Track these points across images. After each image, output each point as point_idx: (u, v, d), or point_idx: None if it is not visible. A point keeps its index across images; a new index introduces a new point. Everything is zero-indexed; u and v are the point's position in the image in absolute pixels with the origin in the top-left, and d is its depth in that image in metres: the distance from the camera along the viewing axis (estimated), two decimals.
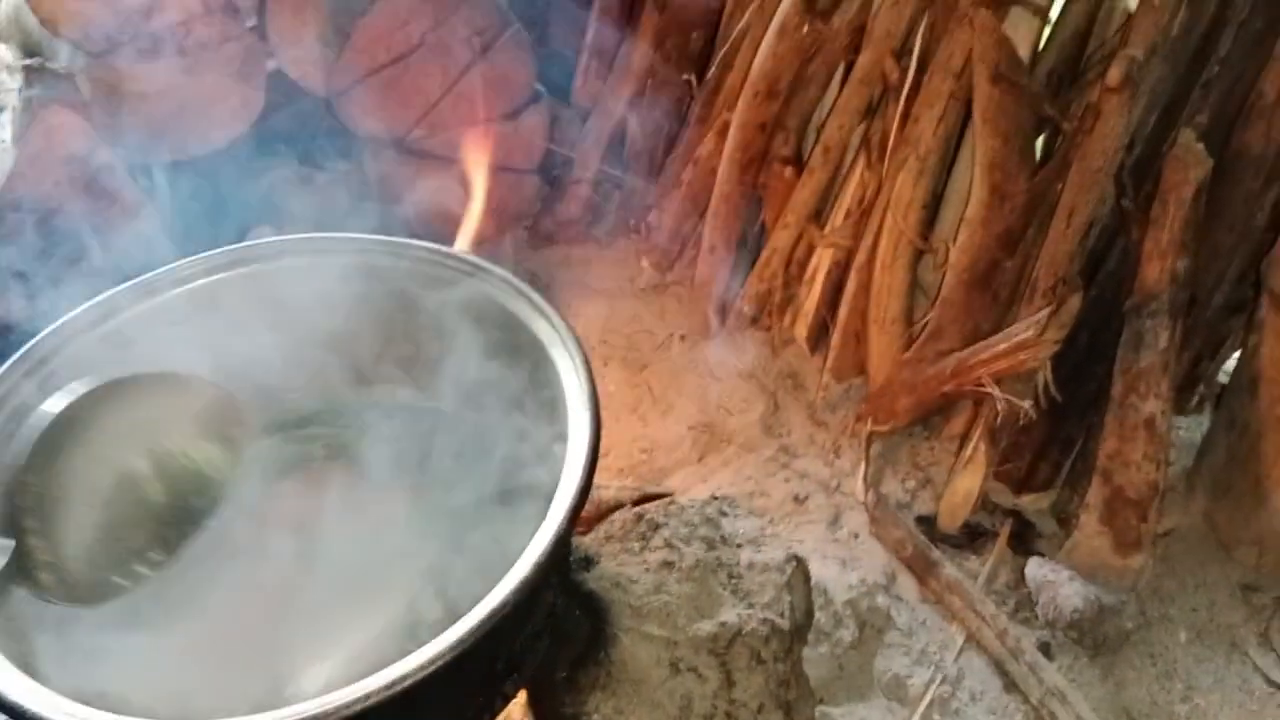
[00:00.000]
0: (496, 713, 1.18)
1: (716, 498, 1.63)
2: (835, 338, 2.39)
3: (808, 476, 2.24)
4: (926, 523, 2.12)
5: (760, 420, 2.36)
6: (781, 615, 1.41)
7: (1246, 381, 2.00)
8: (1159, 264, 1.86)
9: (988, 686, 1.84)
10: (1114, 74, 1.89)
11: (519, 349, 1.32)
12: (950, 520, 2.10)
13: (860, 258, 2.32)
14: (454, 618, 0.97)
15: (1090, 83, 2.09)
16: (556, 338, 1.29)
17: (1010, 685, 1.83)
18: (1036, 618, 1.93)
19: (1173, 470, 2.14)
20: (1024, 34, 2.13)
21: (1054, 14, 2.17)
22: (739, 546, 1.52)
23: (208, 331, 1.31)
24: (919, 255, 2.29)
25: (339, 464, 1.32)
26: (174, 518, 1.16)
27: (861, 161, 2.32)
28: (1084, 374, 2.03)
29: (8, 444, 1.10)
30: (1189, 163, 1.83)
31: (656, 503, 1.60)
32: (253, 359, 1.33)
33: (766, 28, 2.36)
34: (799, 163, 2.43)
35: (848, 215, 2.35)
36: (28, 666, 0.98)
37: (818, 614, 1.79)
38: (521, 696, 1.36)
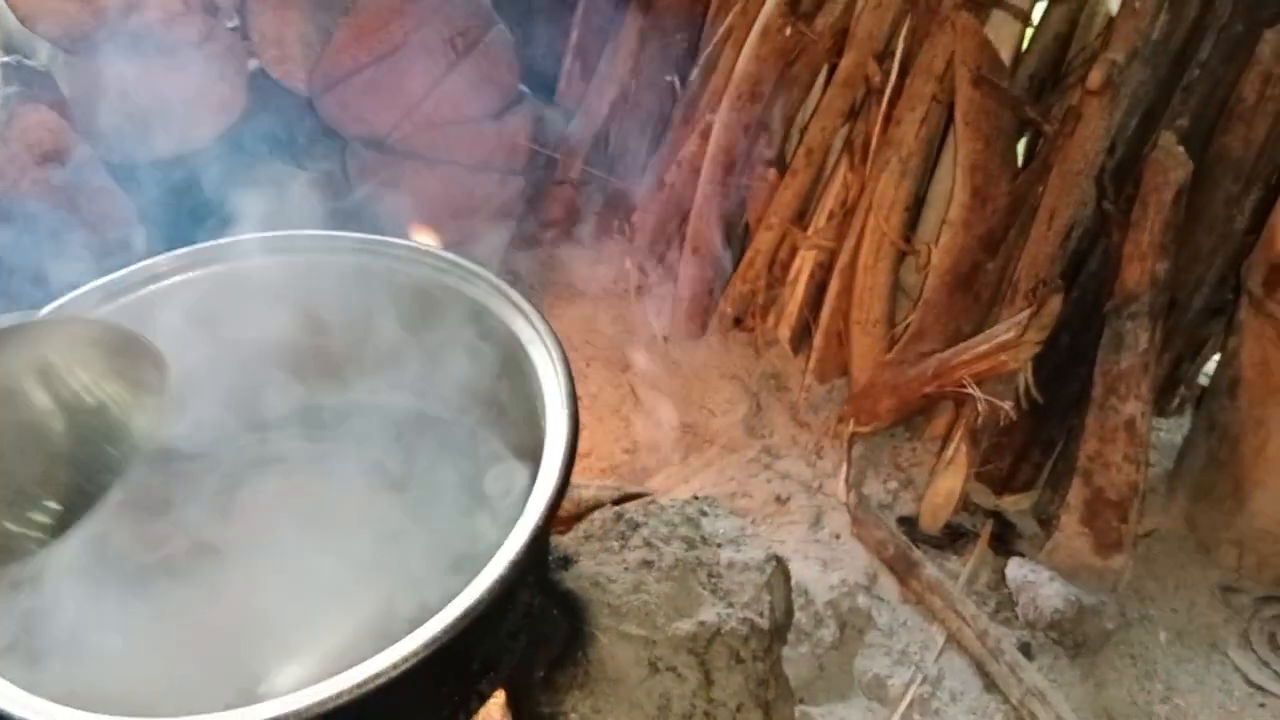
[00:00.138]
0: (473, 712, 1.17)
1: (697, 497, 1.62)
2: (818, 339, 2.40)
3: (790, 477, 2.24)
4: (908, 523, 2.13)
5: (743, 421, 2.37)
6: (761, 615, 1.41)
7: (1226, 384, 2.01)
8: (1139, 266, 1.87)
9: (968, 687, 1.84)
10: (1095, 77, 1.90)
11: (498, 347, 1.31)
12: (931, 521, 2.11)
13: (843, 259, 2.33)
14: (429, 616, 0.96)
15: (1071, 86, 2.10)
16: (536, 336, 1.29)
17: (990, 685, 1.83)
18: (1017, 618, 1.93)
19: (1153, 472, 2.15)
20: (1006, 37, 2.14)
21: (1036, 17, 2.18)
22: (719, 546, 1.51)
23: (183, 329, 1.29)
24: (901, 257, 2.29)
25: (314, 462, 1.32)
26: (80, 463, 1.09)
27: (844, 163, 2.32)
28: (1065, 375, 2.03)
29: None
30: (1169, 165, 1.83)
31: (636, 502, 1.59)
32: (228, 357, 1.32)
33: (750, 30, 2.37)
34: (782, 164, 2.44)
35: (830, 217, 2.35)
36: None
37: (798, 614, 1.79)
38: (500, 696, 1.35)
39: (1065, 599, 1.87)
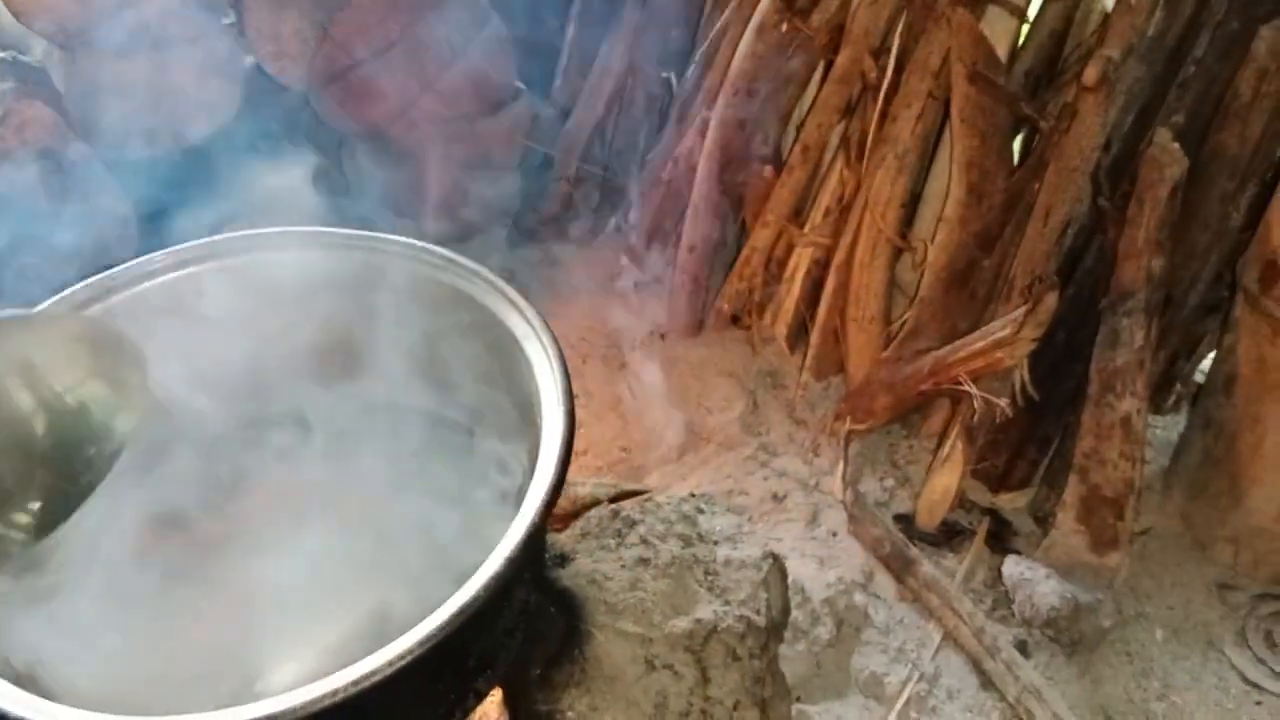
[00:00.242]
0: (470, 710, 1.17)
1: (694, 495, 1.62)
2: (814, 336, 2.40)
3: (786, 475, 2.24)
4: (904, 521, 2.13)
5: (739, 418, 2.37)
6: (758, 612, 1.41)
7: (1222, 381, 2.02)
8: (1135, 263, 1.87)
9: (964, 684, 1.84)
10: (1091, 74, 1.90)
11: (494, 344, 1.31)
12: (928, 518, 2.11)
13: (839, 256, 2.32)
14: (425, 614, 0.96)
15: (1067, 82, 2.10)
16: (531, 332, 1.28)
17: (987, 683, 1.83)
18: (1013, 616, 1.93)
19: (1149, 469, 2.15)
20: (1002, 34, 2.14)
21: (1032, 14, 2.18)
22: (716, 544, 1.51)
23: (180, 325, 1.29)
24: (897, 254, 2.29)
25: (310, 460, 1.31)
26: (61, 464, 1.08)
27: (840, 160, 2.32)
28: (1061, 373, 2.03)
29: None
30: (1165, 162, 1.83)
31: (633, 500, 1.59)
32: (224, 354, 1.32)
33: (746, 26, 2.36)
34: (778, 161, 2.43)
35: (827, 214, 2.35)
36: None
37: (795, 612, 1.79)
38: (497, 694, 1.35)
39: (1061, 596, 1.87)
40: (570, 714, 1.29)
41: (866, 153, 2.25)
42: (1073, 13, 2.15)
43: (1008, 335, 1.94)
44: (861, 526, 2.10)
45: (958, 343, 2.05)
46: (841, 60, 2.27)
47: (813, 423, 2.36)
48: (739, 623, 1.37)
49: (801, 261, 2.42)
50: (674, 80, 2.68)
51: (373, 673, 0.91)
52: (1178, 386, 2.27)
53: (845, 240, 2.31)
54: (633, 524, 1.50)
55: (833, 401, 2.38)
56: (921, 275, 2.23)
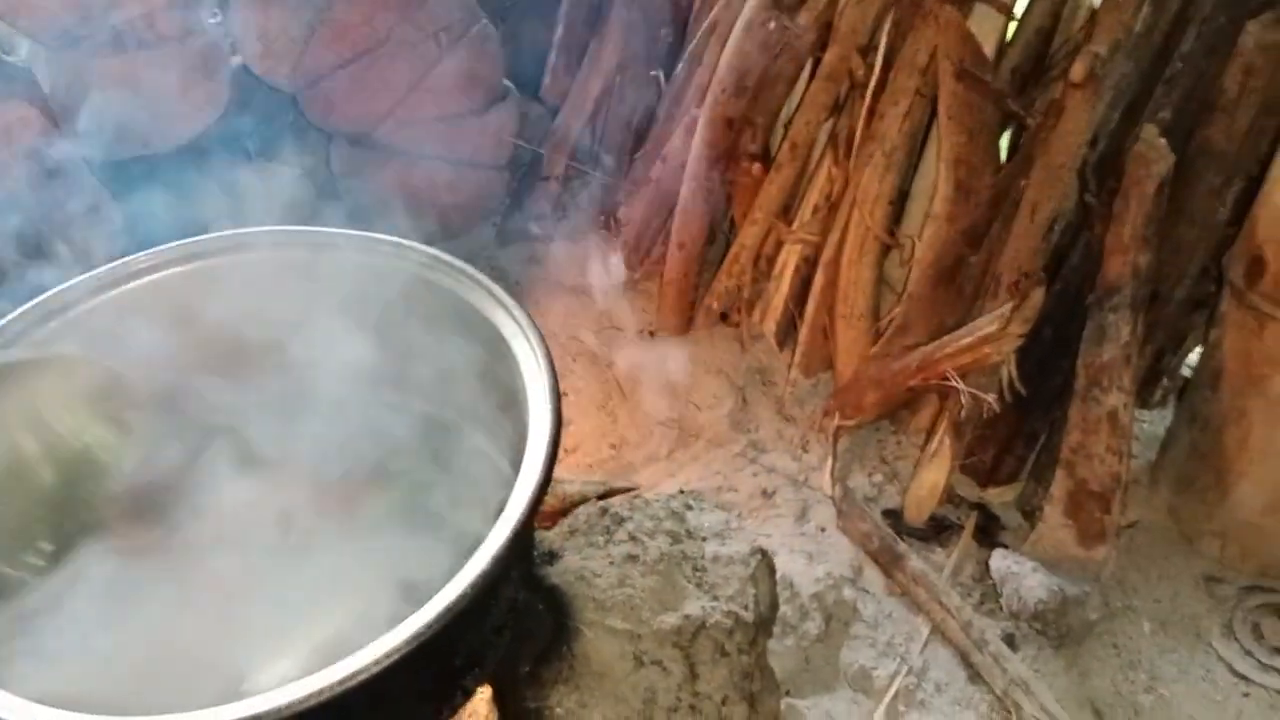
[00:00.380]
0: (458, 707, 1.17)
1: (683, 492, 1.63)
2: (803, 333, 2.40)
3: (775, 471, 2.24)
4: (893, 516, 2.14)
5: (729, 415, 2.37)
6: (746, 608, 1.41)
7: (1209, 375, 2.02)
8: (1121, 258, 1.88)
9: (953, 678, 1.84)
10: (1077, 70, 1.91)
11: (481, 342, 1.31)
12: (916, 513, 2.11)
13: (827, 253, 2.33)
14: (412, 612, 0.96)
15: (1054, 79, 2.10)
16: (518, 330, 1.28)
17: (975, 676, 1.83)
18: (1001, 609, 1.94)
19: (1136, 463, 2.16)
20: (989, 30, 2.14)
21: (1019, 11, 2.19)
22: (704, 540, 1.51)
23: (163, 325, 1.29)
24: (885, 251, 2.30)
25: (296, 458, 1.31)
26: (66, 504, 1.10)
27: (828, 158, 2.32)
28: (1049, 368, 2.04)
29: None
30: (1152, 158, 1.84)
31: (621, 497, 1.60)
32: (210, 352, 1.31)
33: (734, 24, 2.37)
34: (767, 159, 2.43)
35: (815, 211, 2.35)
36: None
37: (784, 607, 1.79)
38: (486, 691, 1.35)
39: (1049, 590, 1.87)
40: (559, 710, 1.29)
41: (854, 150, 2.26)
42: (1060, 9, 2.16)
43: (995, 331, 1.94)
44: (850, 522, 2.10)
45: (945, 339, 2.05)
46: (829, 58, 2.28)
47: (801, 419, 2.37)
48: (727, 618, 1.38)
49: (790, 259, 2.42)
50: (662, 78, 2.68)
51: (359, 671, 0.92)
52: (1164, 381, 2.28)
53: (833, 237, 2.32)
54: (621, 521, 1.50)
55: (821, 398, 2.39)
56: (909, 272, 2.23)
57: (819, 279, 2.35)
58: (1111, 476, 1.91)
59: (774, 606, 1.55)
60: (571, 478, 1.89)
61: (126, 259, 1.34)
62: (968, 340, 1.99)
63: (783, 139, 2.39)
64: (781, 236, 2.42)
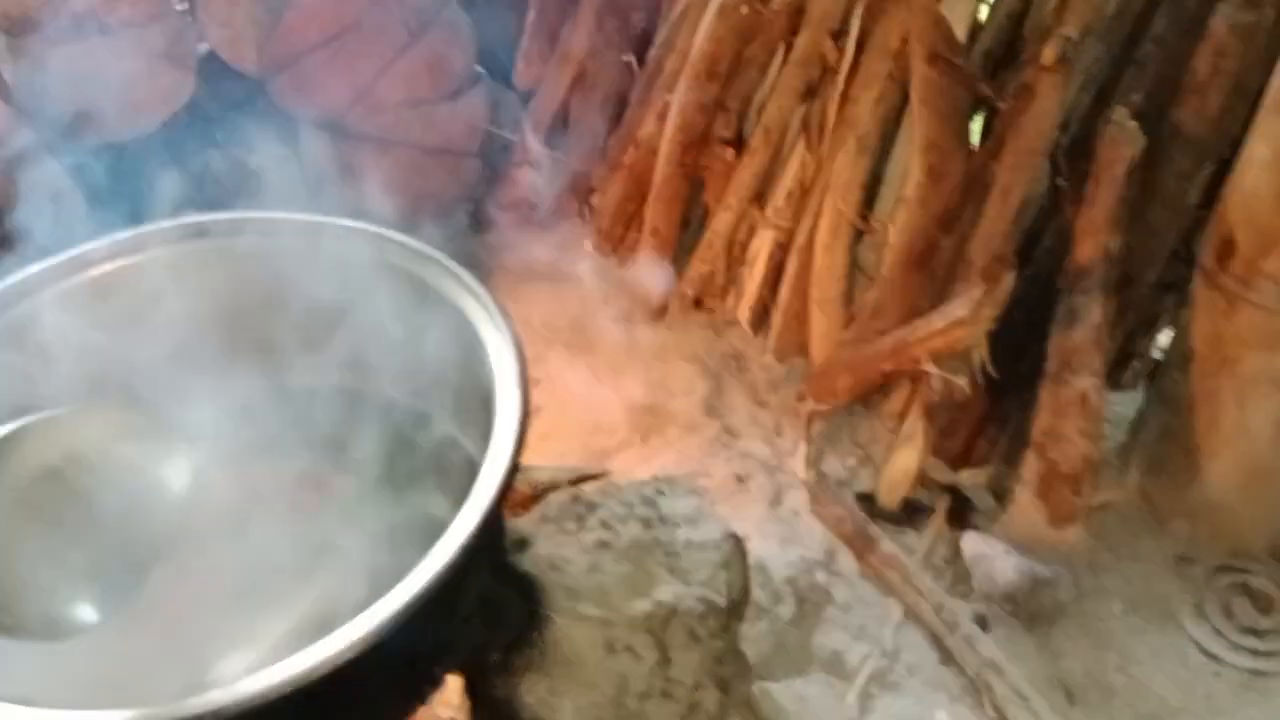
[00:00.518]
0: (427, 696, 1.17)
1: (655, 478, 1.62)
2: (776, 318, 2.40)
3: (750, 456, 2.25)
4: (866, 500, 2.14)
5: (703, 401, 2.37)
6: (718, 592, 1.41)
7: (1179, 357, 2.03)
8: (1092, 241, 1.88)
9: (925, 660, 1.85)
10: (1048, 53, 1.91)
11: (450, 329, 1.30)
12: (889, 497, 2.12)
13: (801, 239, 2.33)
14: (379, 601, 0.95)
15: (1026, 62, 2.10)
16: (487, 317, 1.27)
17: (947, 658, 1.84)
18: (973, 591, 1.95)
19: (1107, 445, 2.17)
20: (960, 14, 2.14)
21: None
22: (677, 526, 1.51)
23: (123, 314, 1.27)
24: (859, 236, 2.30)
25: (261, 446, 1.30)
26: (113, 550, 1.11)
27: (801, 143, 2.32)
28: (1021, 352, 2.04)
29: None
30: (1122, 141, 1.84)
31: (593, 483, 1.59)
32: (174, 341, 1.30)
33: (706, 9, 2.35)
34: (740, 144, 2.43)
35: (788, 196, 2.35)
36: None
37: (757, 591, 1.79)
38: (458, 680, 1.34)
39: (1020, 571, 1.89)
40: (529, 699, 1.29)
41: (827, 135, 2.26)
42: None
43: (967, 315, 1.94)
44: (823, 506, 2.11)
45: (917, 323, 2.05)
46: (801, 43, 2.27)
47: (775, 404, 2.37)
48: (699, 603, 1.37)
49: (763, 244, 2.42)
50: (635, 64, 2.66)
51: (326, 660, 0.91)
52: (1135, 363, 2.29)
53: (806, 223, 2.32)
54: (593, 508, 1.49)
55: (795, 383, 2.39)
56: (882, 257, 2.23)
57: (792, 264, 2.35)
58: (1082, 458, 1.92)
59: (746, 591, 1.54)
60: (543, 465, 1.87)
61: (85, 247, 1.32)
62: (940, 324, 1.99)
63: (756, 124, 2.38)
64: (755, 222, 2.42)
